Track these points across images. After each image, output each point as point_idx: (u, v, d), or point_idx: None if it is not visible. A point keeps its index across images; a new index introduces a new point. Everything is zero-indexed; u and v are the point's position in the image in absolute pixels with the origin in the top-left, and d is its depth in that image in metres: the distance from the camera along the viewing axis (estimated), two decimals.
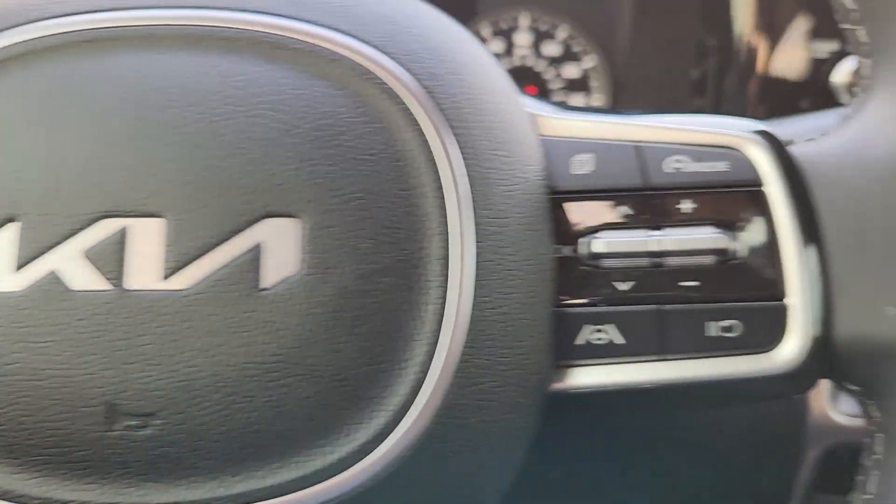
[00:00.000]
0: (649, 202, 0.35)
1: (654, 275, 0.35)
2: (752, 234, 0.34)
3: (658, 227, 0.35)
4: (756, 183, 0.34)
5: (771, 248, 0.34)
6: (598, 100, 0.96)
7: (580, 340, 0.35)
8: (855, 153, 0.35)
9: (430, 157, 0.31)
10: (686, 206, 0.35)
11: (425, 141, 0.32)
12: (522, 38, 0.95)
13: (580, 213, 0.35)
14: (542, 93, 0.96)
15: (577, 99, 0.96)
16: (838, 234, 0.34)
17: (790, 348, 0.34)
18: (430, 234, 0.31)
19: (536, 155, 0.35)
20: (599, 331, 0.35)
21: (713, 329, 0.34)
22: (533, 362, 0.33)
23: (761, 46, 0.83)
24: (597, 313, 0.35)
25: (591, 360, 0.35)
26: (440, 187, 0.31)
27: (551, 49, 0.95)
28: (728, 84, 0.85)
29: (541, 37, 0.95)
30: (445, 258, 0.31)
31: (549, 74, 0.96)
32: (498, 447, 0.33)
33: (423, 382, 0.31)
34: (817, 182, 0.35)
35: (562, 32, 0.95)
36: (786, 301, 0.34)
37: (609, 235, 0.35)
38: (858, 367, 0.34)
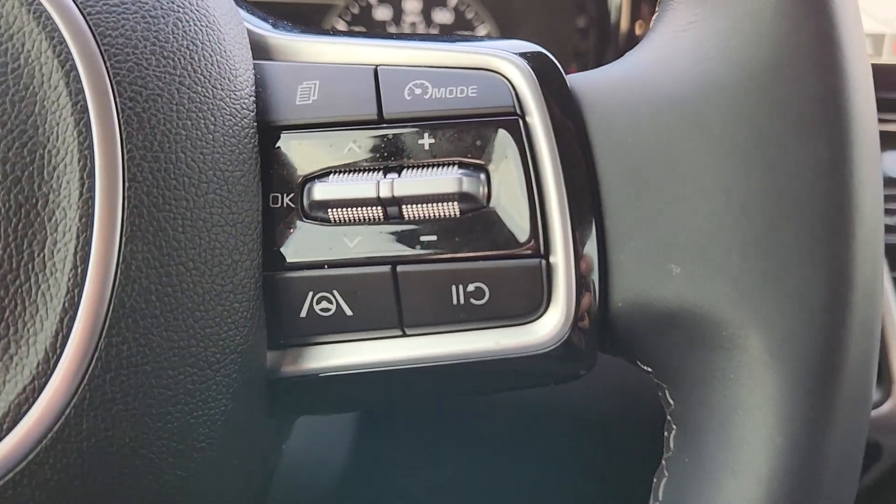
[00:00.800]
0: (384, 138, 0.28)
1: (389, 228, 0.28)
2: (508, 176, 0.27)
3: (397, 170, 0.28)
4: (513, 112, 0.28)
5: (530, 194, 0.27)
6: None
7: (304, 312, 0.28)
8: (639, 80, 0.28)
9: (72, 80, 0.24)
10: (426, 141, 0.28)
11: (67, 56, 0.24)
12: (412, 5, 0.88)
13: (303, 154, 0.28)
14: None
15: None
16: (616, 177, 0.27)
17: (553, 319, 0.27)
18: (67, 174, 0.24)
19: (244, 80, 0.28)
20: (325, 299, 0.28)
21: (458, 295, 0.27)
22: (226, 341, 0.26)
23: (637, 24, 0.76)
24: (322, 277, 0.28)
25: (317, 336, 0.28)
26: (83, 113, 0.24)
27: (442, 16, 0.88)
28: (608, 59, 0.79)
29: (431, 3, 0.88)
30: (88, 203, 0.24)
31: None
32: (183, 445, 0.26)
33: (56, 362, 0.23)
34: (594, 113, 0.28)
35: None
36: (549, 260, 0.27)
37: (336, 180, 0.28)
38: (643, 339, 0.28)
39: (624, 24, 0.77)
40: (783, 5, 0.26)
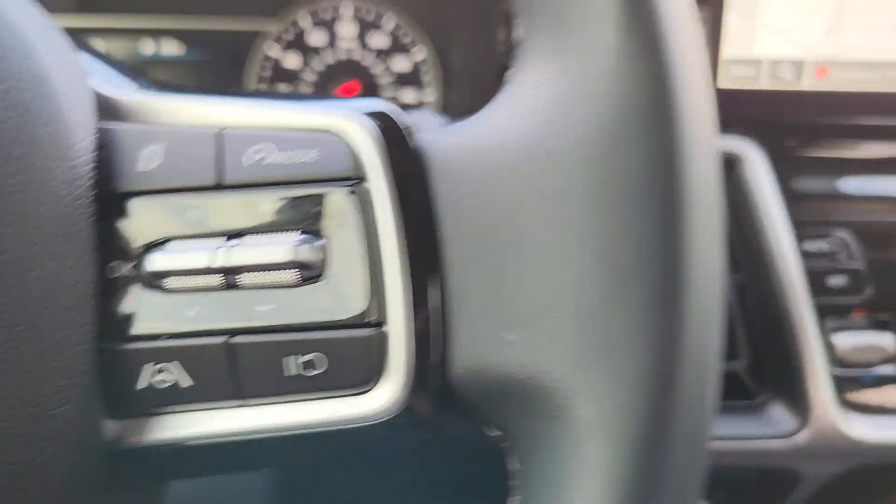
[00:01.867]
0: (223, 204, 0.28)
1: (226, 297, 0.27)
2: (346, 244, 0.27)
3: (238, 236, 0.28)
4: (354, 176, 0.27)
5: (370, 261, 0.27)
6: (430, 94, 0.89)
7: (142, 384, 0.27)
8: (486, 142, 0.28)
9: None
10: (265, 207, 0.27)
11: None
12: (346, 29, 0.88)
13: (144, 221, 0.28)
14: (370, 88, 0.89)
15: (408, 94, 0.89)
16: (460, 244, 0.27)
17: (389, 388, 0.27)
18: None
19: (81, 148, 0.27)
20: (162, 371, 0.27)
21: (292, 366, 0.27)
22: (53, 419, 0.26)
23: None
24: (160, 349, 0.27)
25: (155, 408, 0.28)
26: None
27: (378, 41, 0.88)
28: None
29: (366, 27, 0.88)
30: None
31: (376, 68, 0.88)
32: None
33: None
34: (441, 177, 0.28)
35: (389, 22, 0.88)
36: (384, 328, 0.27)
37: (174, 248, 0.28)
38: (485, 406, 0.28)
39: None
40: (623, 67, 0.26)
